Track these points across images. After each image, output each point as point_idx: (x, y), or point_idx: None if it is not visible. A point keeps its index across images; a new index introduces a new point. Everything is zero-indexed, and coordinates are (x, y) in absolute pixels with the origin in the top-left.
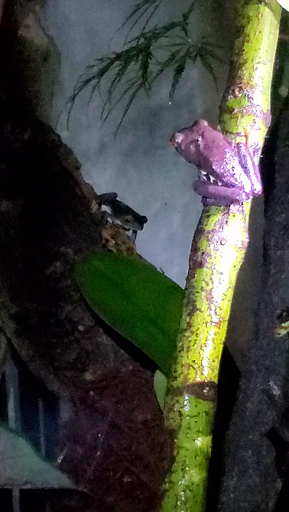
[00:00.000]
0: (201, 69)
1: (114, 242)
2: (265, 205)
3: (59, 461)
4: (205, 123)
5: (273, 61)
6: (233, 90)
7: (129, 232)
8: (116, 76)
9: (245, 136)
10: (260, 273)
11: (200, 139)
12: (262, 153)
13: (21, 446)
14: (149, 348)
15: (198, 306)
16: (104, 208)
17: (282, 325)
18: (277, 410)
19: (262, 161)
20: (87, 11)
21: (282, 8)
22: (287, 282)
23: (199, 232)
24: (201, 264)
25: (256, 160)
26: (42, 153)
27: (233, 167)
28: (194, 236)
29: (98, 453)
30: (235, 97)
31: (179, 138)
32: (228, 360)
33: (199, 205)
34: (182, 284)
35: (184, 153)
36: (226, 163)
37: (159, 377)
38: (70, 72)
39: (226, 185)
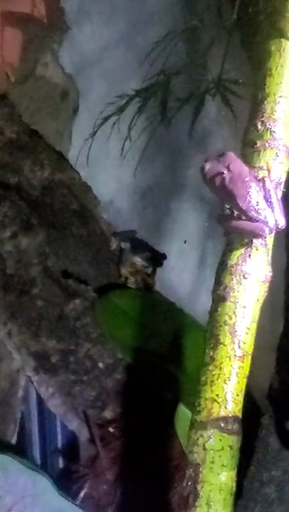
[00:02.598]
0: (220, 105)
1: (133, 279)
2: (287, 240)
3: (79, 499)
4: (232, 154)
5: None
6: (256, 124)
7: (149, 269)
8: (135, 113)
9: (268, 170)
10: (278, 308)
11: (226, 172)
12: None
13: (42, 485)
14: (168, 384)
15: (221, 340)
16: (124, 245)
17: None
18: None
19: (284, 195)
20: (105, 49)
21: None
22: None
23: (222, 266)
24: (224, 298)
25: (279, 194)
26: (61, 191)
27: (257, 202)
28: (217, 270)
29: (118, 491)
30: (257, 130)
31: (207, 167)
32: (247, 396)
33: (217, 242)
34: (202, 321)
35: (209, 185)
36: (251, 198)
37: (180, 413)
38: (88, 109)
39: (250, 219)
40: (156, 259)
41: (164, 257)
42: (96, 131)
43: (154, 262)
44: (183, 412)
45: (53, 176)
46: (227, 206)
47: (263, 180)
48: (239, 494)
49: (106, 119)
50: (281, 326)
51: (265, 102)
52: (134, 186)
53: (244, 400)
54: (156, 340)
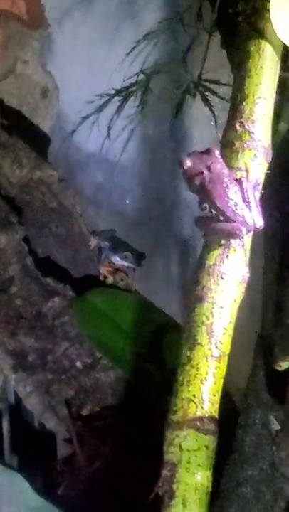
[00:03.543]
0: (200, 105)
1: (112, 278)
2: (265, 241)
3: (56, 498)
4: (215, 153)
5: (274, 96)
6: (234, 125)
7: (128, 269)
8: (115, 112)
9: (246, 171)
10: (257, 310)
11: (206, 172)
12: (265, 187)
13: (19, 483)
14: (146, 383)
15: (198, 341)
16: (103, 244)
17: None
18: (276, 445)
19: (264, 196)
20: (86, 48)
21: (283, 43)
22: (286, 320)
23: (200, 266)
24: (201, 299)
25: (257, 195)
26: (40, 189)
27: (235, 203)
28: (195, 270)
29: (96, 490)
30: (236, 131)
31: (188, 163)
32: (226, 398)
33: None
34: (180, 321)
35: (188, 182)
36: (229, 199)
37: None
38: (68, 108)
39: (228, 219)
40: (136, 258)
41: (143, 256)
42: (75, 130)
43: (133, 261)
44: None
45: (32, 174)
46: (205, 205)
47: (240, 181)
48: (215, 494)
49: (85, 117)
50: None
51: (244, 103)
52: (114, 185)
53: (221, 399)
54: (135, 339)
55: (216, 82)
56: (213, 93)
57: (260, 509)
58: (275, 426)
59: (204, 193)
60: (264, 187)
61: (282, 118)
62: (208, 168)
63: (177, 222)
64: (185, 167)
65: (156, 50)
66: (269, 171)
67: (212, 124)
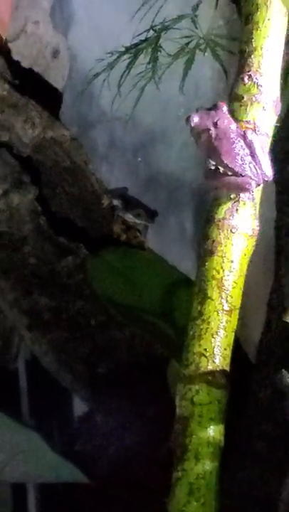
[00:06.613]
0: (211, 61)
1: (125, 236)
2: (277, 195)
3: (73, 455)
4: (223, 108)
5: (283, 49)
6: (242, 78)
7: (140, 226)
8: (125, 70)
9: (255, 124)
10: (271, 265)
11: (212, 128)
12: (275, 141)
13: (35, 441)
14: (160, 340)
15: (209, 295)
16: (115, 202)
17: None
18: None
19: (274, 150)
20: (95, 6)
21: None
22: None
23: (210, 220)
24: (211, 253)
25: (266, 147)
26: (53, 149)
27: (242, 157)
28: (205, 224)
29: (112, 446)
30: (244, 84)
31: (195, 120)
32: (241, 354)
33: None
34: (193, 277)
35: (195, 139)
36: (236, 154)
37: (172, 369)
38: (79, 67)
39: (236, 174)
40: (148, 215)
41: (155, 213)
42: (86, 89)
43: (145, 219)
44: (175, 368)
45: (44, 134)
46: (212, 162)
47: (246, 134)
48: (229, 449)
49: (96, 75)
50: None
51: (252, 56)
52: (126, 143)
53: (235, 354)
54: (148, 297)
55: (227, 37)
56: (224, 48)
57: (273, 464)
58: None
59: (211, 149)
60: (273, 140)
61: None
62: (215, 125)
63: (191, 178)
64: (192, 124)
65: (166, 7)
66: (278, 124)
67: (224, 79)
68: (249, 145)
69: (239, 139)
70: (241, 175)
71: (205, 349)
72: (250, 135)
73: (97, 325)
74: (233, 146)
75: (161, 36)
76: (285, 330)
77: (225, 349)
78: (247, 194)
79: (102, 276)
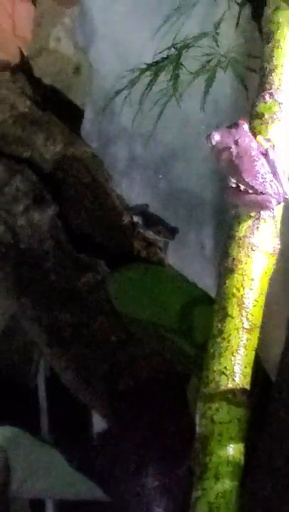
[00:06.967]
0: (232, 79)
1: (145, 252)
2: None
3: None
4: (244, 127)
5: None
6: (264, 96)
7: (161, 243)
8: (146, 87)
9: (275, 142)
10: None
11: (233, 147)
12: None
13: (54, 458)
14: (179, 357)
15: (229, 313)
16: (136, 219)
17: None
18: None
19: None
20: (117, 23)
21: None
22: None
23: (230, 238)
24: (232, 271)
25: (286, 165)
26: (74, 165)
27: (262, 175)
28: (225, 242)
29: (132, 465)
30: (265, 102)
31: (215, 138)
32: (260, 371)
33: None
34: (213, 294)
35: (216, 158)
36: (257, 172)
37: (192, 386)
38: (100, 83)
39: (256, 192)
40: (169, 232)
41: (176, 230)
42: (107, 105)
43: (166, 236)
44: (195, 386)
45: (65, 151)
46: (233, 180)
47: (268, 152)
48: (249, 468)
49: (117, 92)
50: None
51: (273, 74)
52: (147, 160)
53: (256, 373)
54: (168, 313)
55: (248, 55)
56: (245, 66)
57: None
58: None
59: (232, 167)
60: None
61: None
62: (236, 143)
63: (211, 195)
64: (213, 142)
65: (187, 24)
66: None
67: (243, 96)
68: (271, 163)
69: (260, 156)
70: (262, 193)
71: (225, 367)
72: (271, 153)
73: (117, 341)
74: (254, 164)
75: (183, 54)
76: None
77: (245, 367)
78: (268, 212)
79: (122, 293)
